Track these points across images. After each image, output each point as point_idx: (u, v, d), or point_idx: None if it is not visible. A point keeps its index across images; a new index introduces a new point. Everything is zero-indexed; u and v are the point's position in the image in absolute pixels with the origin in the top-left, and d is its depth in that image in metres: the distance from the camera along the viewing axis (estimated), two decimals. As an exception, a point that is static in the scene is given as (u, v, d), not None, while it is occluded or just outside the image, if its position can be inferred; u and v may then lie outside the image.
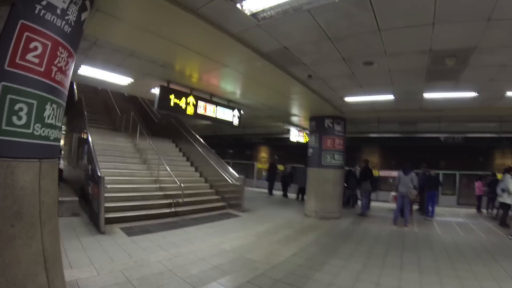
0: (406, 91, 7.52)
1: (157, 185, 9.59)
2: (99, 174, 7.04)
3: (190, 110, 8.22)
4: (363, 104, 8.92)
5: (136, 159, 10.99)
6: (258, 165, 21.01)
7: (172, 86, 7.95)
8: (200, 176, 11.97)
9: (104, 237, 6.25)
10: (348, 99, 8.43)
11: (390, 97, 8.04)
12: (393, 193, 11.90)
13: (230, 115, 9.76)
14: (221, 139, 22.66)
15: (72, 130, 12.09)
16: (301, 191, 14.42)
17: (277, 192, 16.35)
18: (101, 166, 8.83)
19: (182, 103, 8.01)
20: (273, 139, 20.59)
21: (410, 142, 15.81)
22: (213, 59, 5.96)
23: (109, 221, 7.09)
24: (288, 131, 16.23)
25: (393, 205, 11.34)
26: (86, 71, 7.14)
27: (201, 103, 8.57)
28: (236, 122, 9.94)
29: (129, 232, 6.69)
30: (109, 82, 8.07)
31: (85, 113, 11.23)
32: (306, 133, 16.92)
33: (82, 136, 10.33)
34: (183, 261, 5.12)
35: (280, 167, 16.43)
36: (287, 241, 6.88)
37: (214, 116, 9.09)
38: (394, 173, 13.14)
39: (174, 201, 8.66)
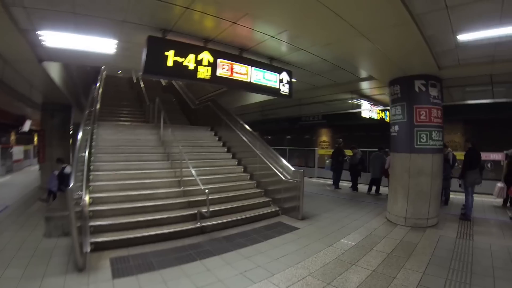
0: None
1: (180, 189, 7.23)
2: (70, 183, 4.63)
3: (203, 73, 5.81)
4: (483, 46, 5.53)
5: (158, 155, 8.77)
6: (319, 151, 17.89)
7: (170, 37, 5.59)
8: (244, 171, 9.39)
9: (78, 279, 4.10)
10: (465, 36, 5.13)
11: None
12: (500, 184, 9.04)
13: (275, 80, 7.08)
14: (274, 123, 21.09)
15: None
16: (375, 182, 11.49)
17: (344, 184, 13.09)
18: (105, 168, 7.31)
19: (188, 61, 5.57)
20: (336, 118, 17.46)
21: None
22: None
23: (100, 247, 5.04)
24: (355, 106, 13.40)
25: (498, 200, 9.38)
26: (54, 40, 5.93)
27: (223, 62, 6.09)
28: (285, 90, 7.24)
29: (119, 269, 4.39)
30: (92, 53, 6.57)
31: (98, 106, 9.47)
32: (379, 110, 13.82)
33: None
34: None
35: (348, 152, 13.11)
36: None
37: (248, 81, 6.44)
38: (496, 155, 11.53)
39: (203, 211, 6.04)
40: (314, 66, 8.08)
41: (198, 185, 6.69)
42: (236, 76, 6.43)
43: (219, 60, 6.11)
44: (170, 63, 5.49)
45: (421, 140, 6.87)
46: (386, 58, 6.06)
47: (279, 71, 7.35)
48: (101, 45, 6.22)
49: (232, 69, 6.32)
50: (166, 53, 5.45)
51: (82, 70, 12.96)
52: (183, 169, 7.42)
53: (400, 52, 5.79)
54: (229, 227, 6.41)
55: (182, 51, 5.62)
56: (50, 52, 6.42)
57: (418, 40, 5.05)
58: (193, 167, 7.24)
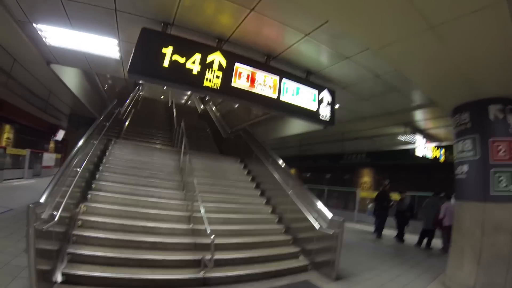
0: None
1: (189, 226, 6.03)
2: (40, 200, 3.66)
3: (211, 80, 4.82)
4: None
5: (172, 183, 7.75)
6: (360, 193, 16.29)
7: (175, 32, 4.88)
8: (272, 212, 8.03)
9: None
10: None
11: None
12: None
13: (312, 99, 5.96)
14: (312, 160, 20.20)
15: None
16: (427, 234, 9.67)
17: (388, 232, 11.28)
18: (108, 189, 6.62)
19: (192, 63, 4.60)
20: (382, 156, 15.97)
21: None
22: None
23: (73, 280, 4.08)
24: (404, 143, 11.99)
25: None
26: (56, 38, 5.88)
27: (242, 68, 5.09)
28: (325, 114, 6.01)
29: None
30: (96, 56, 6.41)
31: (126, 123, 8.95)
32: (434, 147, 12.25)
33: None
34: None
35: (395, 196, 11.39)
36: None
37: (275, 97, 5.34)
38: None
39: (207, 258, 4.76)
40: (363, 85, 6.84)
41: (212, 223, 5.46)
42: (258, 89, 5.33)
43: (236, 65, 5.07)
44: (166, 63, 4.56)
45: (500, 184, 5.18)
46: (455, 68, 4.60)
47: (318, 88, 6.17)
48: (103, 46, 5.88)
49: (253, 78, 5.25)
50: (163, 50, 4.55)
51: (112, 88, 12.84)
52: (196, 203, 6.23)
53: (477, 59, 4.26)
54: (242, 281, 5.03)
55: (185, 49, 4.71)
56: (54, 52, 6.28)
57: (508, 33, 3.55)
58: (211, 202, 6.32)
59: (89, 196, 6.04)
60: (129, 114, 13.06)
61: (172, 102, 17.47)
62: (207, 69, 4.90)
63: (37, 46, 6.20)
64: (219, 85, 4.99)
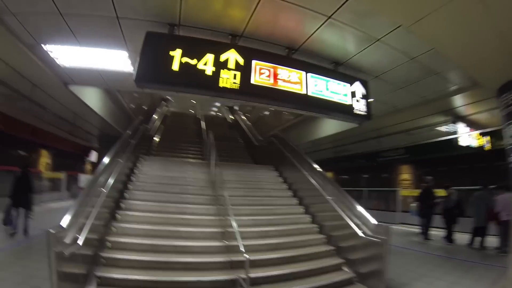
0: None
1: (223, 243, 5.67)
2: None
3: (228, 80, 4.56)
4: None
5: (204, 198, 7.44)
6: (401, 192, 15.37)
7: (183, 32, 4.69)
8: (312, 221, 7.52)
9: None
10: None
11: None
12: None
13: (344, 93, 5.52)
14: (348, 161, 19.62)
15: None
16: (479, 232, 8.76)
17: (435, 232, 10.41)
18: (138, 208, 6.46)
19: (205, 63, 4.39)
20: (421, 150, 14.96)
21: None
22: None
23: None
24: (444, 133, 11.45)
25: None
26: (66, 58, 5.93)
27: (261, 65, 4.76)
28: (360, 107, 5.57)
29: None
30: (111, 72, 6.39)
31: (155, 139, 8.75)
32: (478, 134, 11.61)
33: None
34: None
35: (441, 192, 10.53)
36: None
37: (303, 93, 5.03)
38: None
39: (243, 277, 4.38)
40: (397, 72, 6.30)
41: (247, 238, 5.14)
42: (282, 86, 4.95)
43: (254, 62, 4.73)
44: (175, 66, 4.30)
45: None
46: (501, 39, 4.01)
47: (349, 80, 5.71)
48: (115, 61, 5.84)
49: (276, 74, 4.86)
50: (171, 53, 4.30)
51: (138, 104, 12.92)
52: (229, 217, 5.88)
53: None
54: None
55: (195, 50, 4.47)
56: (69, 73, 6.37)
57: None
58: (245, 215, 6.11)
59: (118, 216, 5.90)
60: (157, 129, 13.01)
61: (200, 115, 17.43)
62: (222, 69, 4.60)
63: (52, 68, 6.27)
64: (238, 84, 4.66)
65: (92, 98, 8.53)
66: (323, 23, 4.75)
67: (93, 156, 19.41)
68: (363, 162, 19.22)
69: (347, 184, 16.93)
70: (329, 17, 4.59)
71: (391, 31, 4.86)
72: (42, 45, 5.52)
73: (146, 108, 15.63)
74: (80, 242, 3.77)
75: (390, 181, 18.18)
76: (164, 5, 4.36)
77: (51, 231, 3.32)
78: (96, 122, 10.81)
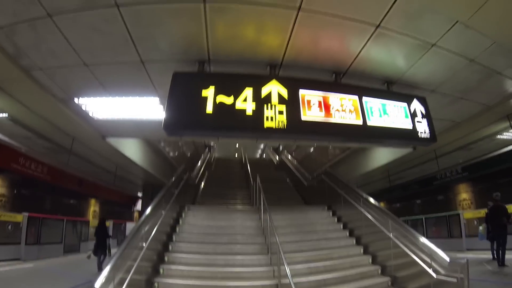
0: None
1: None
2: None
3: (274, 119, 4.14)
4: None
5: (254, 247, 7.13)
6: (465, 214, 14.13)
7: (215, 68, 4.55)
8: (373, 262, 6.86)
9: None
10: None
11: None
12: None
13: (404, 115, 5.02)
14: (401, 189, 19.17)
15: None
16: None
17: (510, 256, 8.94)
18: (183, 261, 6.28)
19: (243, 100, 4.07)
20: (480, 165, 13.90)
21: None
22: None
23: None
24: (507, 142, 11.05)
25: None
26: (99, 110, 6.09)
27: (310, 94, 4.39)
28: (423, 129, 5.12)
29: None
30: (145, 121, 6.37)
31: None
32: None
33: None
34: None
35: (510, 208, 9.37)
36: None
37: (360, 123, 4.59)
38: None
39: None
40: (455, 80, 5.74)
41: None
42: (337, 118, 4.48)
43: (301, 93, 4.31)
44: (209, 108, 3.97)
45: None
46: None
47: (406, 99, 5.19)
48: (148, 109, 5.87)
49: (327, 105, 4.45)
50: (203, 93, 4.00)
51: (180, 152, 13.00)
52: (282, 267, 5.41)
53: None
54: None
55: (231, 86, 4.14)
56: (105, 125, 6.58)
57: None
58: (300, 263, 5.88)
59: (161, 270, 5.72)
60: (202, 177, 13.09)
61: (245, 159, 17.52)
62: (265, 105, 4.21)
63: (87, 121, 6.54)
64: (285, 123, 4.21)
65: (131, 149, 8.80)
66: (371, 35, 4.36)
67: (140, 205, 20.27)
68: (416, 188, 18.39)
69: (401, 214, 16.02)
70: (378, 26, 4.20)
71: (448, 31, 4.39)
72: (75, 99, 5.73)
73: (189, 156, 15.92)
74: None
75: (446, 204, 17.17)
76: (189, 40, 4.17)
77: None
78: (138, 172, 11.13)
